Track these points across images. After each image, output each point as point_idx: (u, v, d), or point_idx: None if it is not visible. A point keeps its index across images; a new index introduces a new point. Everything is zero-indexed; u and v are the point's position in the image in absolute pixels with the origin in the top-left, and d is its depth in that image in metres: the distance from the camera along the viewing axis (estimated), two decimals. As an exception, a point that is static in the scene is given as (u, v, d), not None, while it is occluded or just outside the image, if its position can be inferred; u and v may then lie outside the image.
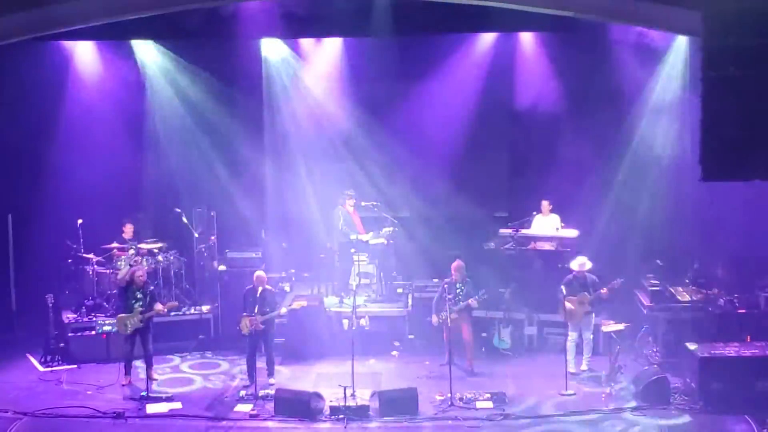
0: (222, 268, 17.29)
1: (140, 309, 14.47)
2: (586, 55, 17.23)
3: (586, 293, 14.47)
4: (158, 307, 14.67)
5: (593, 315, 14.74)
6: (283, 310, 15.02)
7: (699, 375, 13.26)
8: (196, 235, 17.54)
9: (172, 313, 15.80)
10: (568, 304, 14.60)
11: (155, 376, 14.75)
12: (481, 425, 13.05)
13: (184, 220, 17.41)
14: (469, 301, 14.81)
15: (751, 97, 9.26)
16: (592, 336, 14.85)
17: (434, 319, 15.07)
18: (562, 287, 14.63)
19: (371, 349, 15.80)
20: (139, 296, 14.58)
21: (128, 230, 17.23)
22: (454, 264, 15.09)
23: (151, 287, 15.04)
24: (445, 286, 14.94)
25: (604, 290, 14.52)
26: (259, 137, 18.77)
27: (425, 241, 18.35)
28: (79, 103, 17.92)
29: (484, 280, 15.44)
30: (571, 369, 14.61)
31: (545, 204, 17.07)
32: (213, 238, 17.51)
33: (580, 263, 14.81)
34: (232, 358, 15.85)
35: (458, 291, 14.95)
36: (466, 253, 15.87)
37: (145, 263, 16.82)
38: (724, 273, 15.75)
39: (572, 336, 14.84)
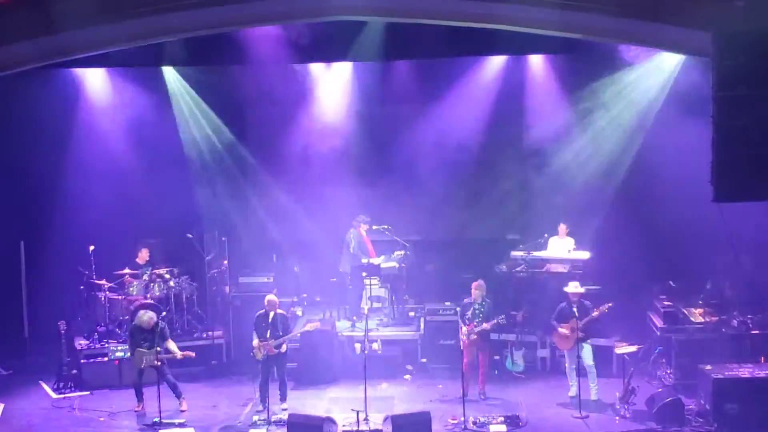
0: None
1: (146, 347, 14.34)
2: (596, 76, 17.32)
3: (576, 319, 14.36)
4: (172, 347, 14.61)
5: (588, 341, 14.61)
6: (297, 333, 14.97)
7: (713, 396, 13.18)
8: (207, 257, 17.55)
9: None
10: (562, 330, 14.58)
11: (184, 406, 14.58)
12: (494, 449, 12.99)
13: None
14: (484, 324, 14.70)
15: (763, 116, 9.28)
16: (593, 363, 14.64)
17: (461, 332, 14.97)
18: (554, 316, 14.72)
19: (384, 373, 15.71)
20: (146, 336, 14.45)
21: (143, 256, 17.29)
22: (475, 283, 14.99)
23: (160, 326, 14.74)
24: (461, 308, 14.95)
25: (595, 312, 14.43)
26: (270, 162, 18.83)
27: (437, 264, 18.32)
28: (91, 129, 17.95)
29: (496, 303, 15.36)
30: (572, 393, 14.50)
31: (563, 227, 17.02)
32: (225, 261, 17.53)
33: (575, 286, 14.73)
34: (244, 383, 15.79)
35: (477, 311, 14.81)
36: (478, 276, 15.82)
37: (156, 289, 16.85)
38: (737, 293, 15.67)
39: (569, 363, 14.72)
